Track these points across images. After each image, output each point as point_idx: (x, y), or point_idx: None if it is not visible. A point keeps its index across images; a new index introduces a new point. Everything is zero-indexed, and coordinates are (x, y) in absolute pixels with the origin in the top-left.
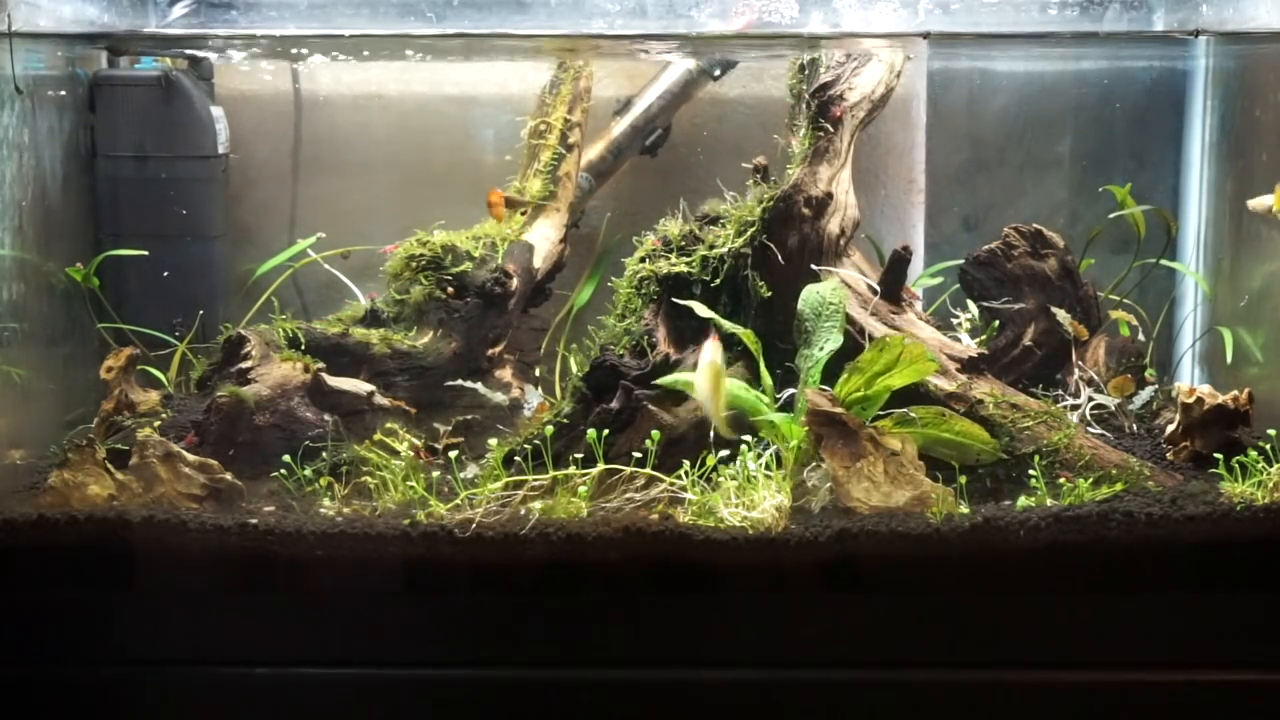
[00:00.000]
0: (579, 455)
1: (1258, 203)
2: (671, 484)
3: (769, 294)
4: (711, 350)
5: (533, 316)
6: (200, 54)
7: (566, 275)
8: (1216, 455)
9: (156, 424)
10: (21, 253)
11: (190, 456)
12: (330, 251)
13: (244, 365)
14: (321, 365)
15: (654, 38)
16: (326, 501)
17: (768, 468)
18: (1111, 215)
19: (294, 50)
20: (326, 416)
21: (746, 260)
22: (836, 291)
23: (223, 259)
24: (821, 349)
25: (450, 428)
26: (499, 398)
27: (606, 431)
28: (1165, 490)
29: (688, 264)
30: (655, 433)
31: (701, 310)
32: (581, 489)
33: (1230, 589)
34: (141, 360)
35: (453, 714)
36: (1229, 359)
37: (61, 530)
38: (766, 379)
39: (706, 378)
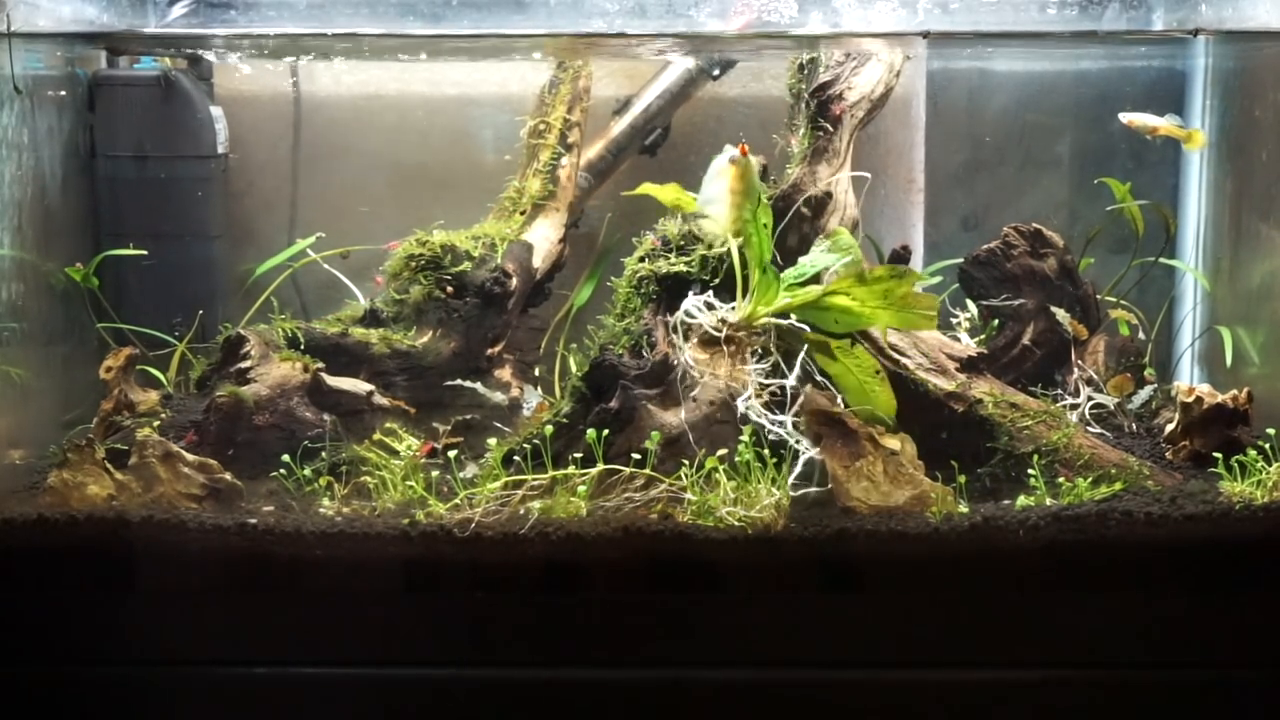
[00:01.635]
0: (578, 455)
1: (1140, 122)
2: (671, 484)
3: None
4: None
5: (532, 316)
6: (200, 54)
7: (566, 275)
8: (1216, 454)
9: (156, 424)
10: (21, 252)
11: (189, 456)
12: (330, 251)
13: (243, 365)
14: (321, 365)
15: (653, 37)
16: (326, 501)
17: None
18: (1110, 209)
19: (293, 50)
20: (326, 416)
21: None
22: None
23: (222, 259)
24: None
25: (449, 427)
26: (498, 397)
27: (606, 431)
28: (1164, 490)
29: (686, 263)
30: (655, 433)
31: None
32: (581, 489)
33: (1229, 588)
34: (141, 360)
35: (452, 714)
36: (1228, 358)
37: (61, 530)
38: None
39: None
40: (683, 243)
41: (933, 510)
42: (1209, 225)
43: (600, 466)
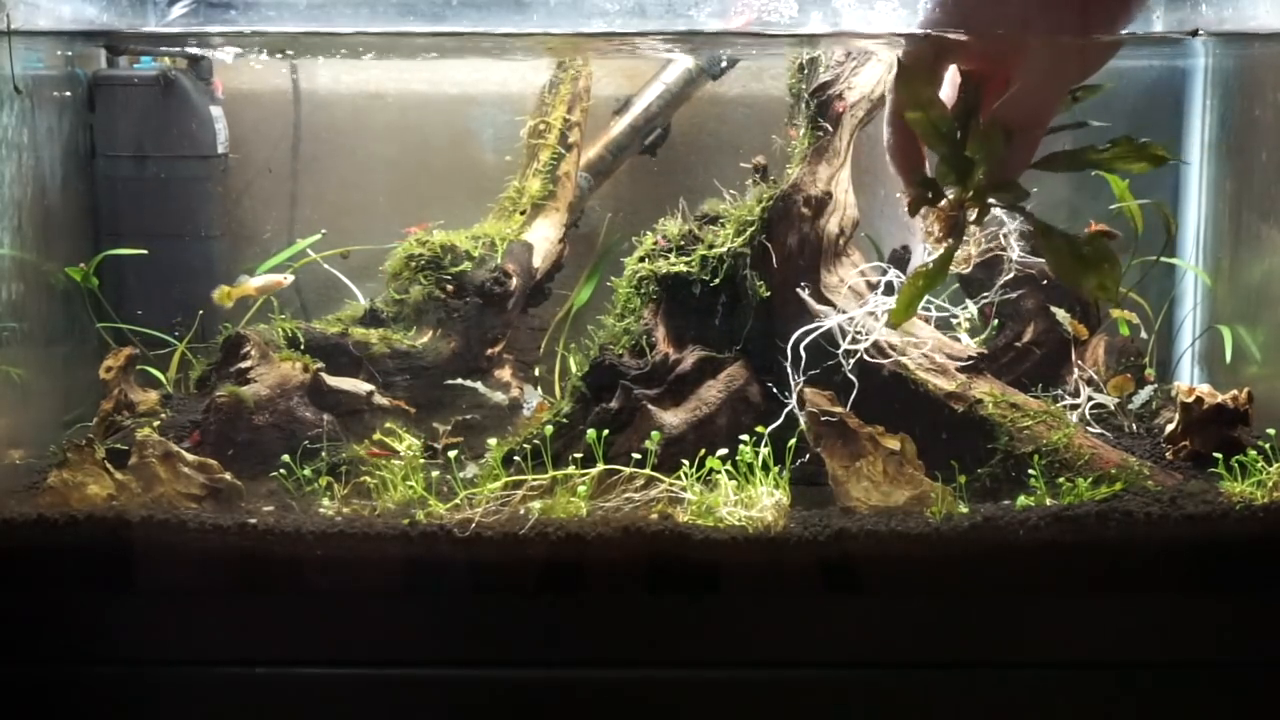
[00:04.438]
0: (578, 455)
1: None
2: (671, 484)
3: (768, 294)
4: None
5: (532, 316)
6: (199, 53)
7: (566, 275)
8: (1216, 455)
9: (156, 424)
10: (21, 252)
11: (189, 456)
12: (330, 251)
13: (243, 365)
14: (321, 365)
15: (653, 35)
16: (326, 501)
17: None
18: (1111, 208)
19: (293, 50)
20: (326, 416)
21: (746, 260)
22: None
23: (222, 259)
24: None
25: (449, 427)
26: (498, 397)
27: (606, 431)
28: (1164, 490)
29: (687, 263)
30: (655, 433)
31: None
32: (581, 489)
33: (1229, 588)
34: (141, 360)
35: (451, 714)
36: (1228, 358)
37: (60, 530)
38: None
39: None
40: (683, 243)
41: (933, 510)
42: (1209, 225)
43: (600, 466)
